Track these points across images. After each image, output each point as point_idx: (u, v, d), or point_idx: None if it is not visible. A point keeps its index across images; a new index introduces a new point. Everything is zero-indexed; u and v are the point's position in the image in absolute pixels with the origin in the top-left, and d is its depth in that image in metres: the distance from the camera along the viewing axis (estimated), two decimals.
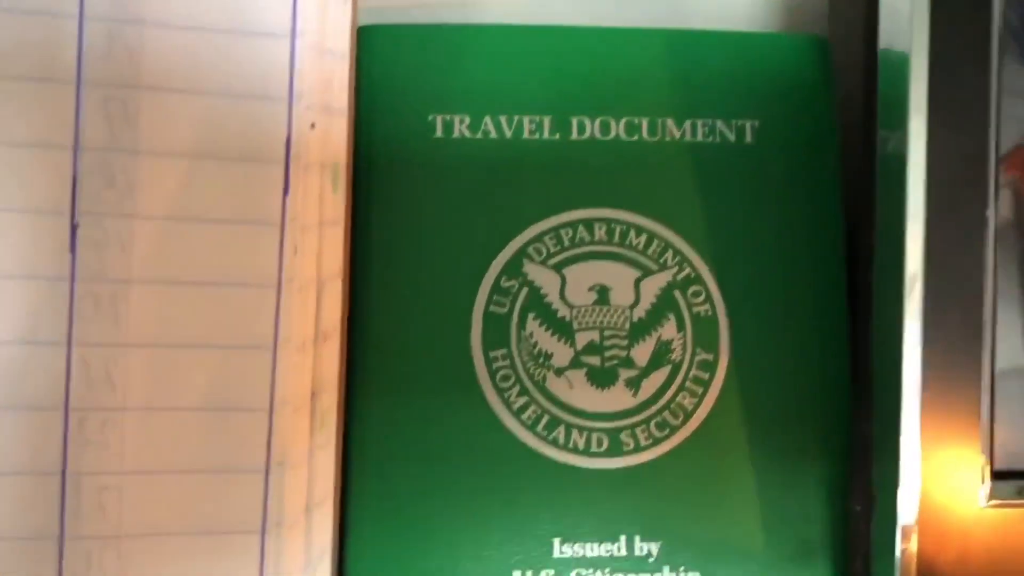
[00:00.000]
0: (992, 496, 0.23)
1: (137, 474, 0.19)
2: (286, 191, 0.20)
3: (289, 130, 0.20)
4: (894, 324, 0.23)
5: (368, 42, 0.24)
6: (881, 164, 0.24)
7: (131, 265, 0.19)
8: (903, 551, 0.23)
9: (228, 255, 0.20)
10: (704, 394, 0.24)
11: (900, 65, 0.23)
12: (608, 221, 0.24)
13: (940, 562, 0.23)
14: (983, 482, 0.23)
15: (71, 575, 0.19)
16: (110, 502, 0.19)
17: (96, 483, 0.19)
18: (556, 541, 0.23)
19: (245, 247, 0.20)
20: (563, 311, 0.24)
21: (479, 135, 0.24)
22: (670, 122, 0.25)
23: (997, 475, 0.23)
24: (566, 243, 0.24)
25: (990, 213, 0.23)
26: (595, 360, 0.24)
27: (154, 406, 0.19)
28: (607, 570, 0.23)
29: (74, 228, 0.19)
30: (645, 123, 0.25)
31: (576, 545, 0.23)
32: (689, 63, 0.25)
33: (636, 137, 0.25)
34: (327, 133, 0.21)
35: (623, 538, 0.23)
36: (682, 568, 0.23)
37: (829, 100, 0.25)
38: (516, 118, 0.25)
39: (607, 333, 0.24)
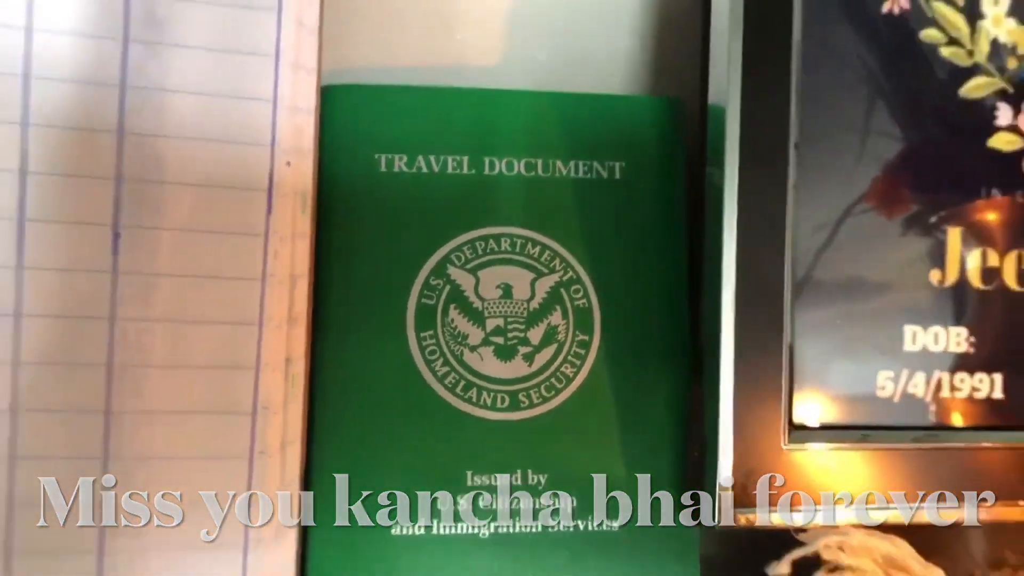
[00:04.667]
0: (790, 441, 0.31)
1: (159, 412, 0.27)
2: (269, 211, 0.28)
3: (272, 166, 0.28)
4: (717, 316, 0.31)
5: (330, 99, 0.32)
6: (709, 194, 0.32)
7: (157, 263, 0.27)
8: (722, 484, 0.31)
9: (228, 257, 0.27)
10: (582, 365, 0.32)
11: (720, 116, 0.31)
12: (511, 236, 0.33)
13: (749, 491, 0.31)
14: (783, 431, 0.31)
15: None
16: (140, 433, 0.27)
17: (130, 420, 0.27)
18: (469, 473, 0.31)
19: (239, 251, 0.28)
20: (477, 303, 0.32)
21: (414, 169, 0.32)
22: (559, 162, 0.33)
23: (794, 427, 0.32)
24: (480, 251, 0.32)
25: (787, 227, 0.31)
26: (500, 340, 0.32)
27: (172, 364, 0.27)
28: (511, 491, 0.31)
29: (116, 235, 0.27)
30: (540, 162, 0.33)
31: (484, 476, 0.31)
32: (574, 117, 0.33)
33: (533, 173, 0.33)
34: (298, 169, 0.29)
35: (519, 471, 0.31)
36: (561, 490, 0.31)
37: (679, 146, 0.34)
38: (442, 157, 0.33)
39: (509, 320, 0.32)
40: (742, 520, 0.30)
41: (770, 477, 0.31)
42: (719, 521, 0.30)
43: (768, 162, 0.32)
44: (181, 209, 0.27)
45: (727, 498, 0.31)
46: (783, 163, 0.32)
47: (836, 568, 0.26)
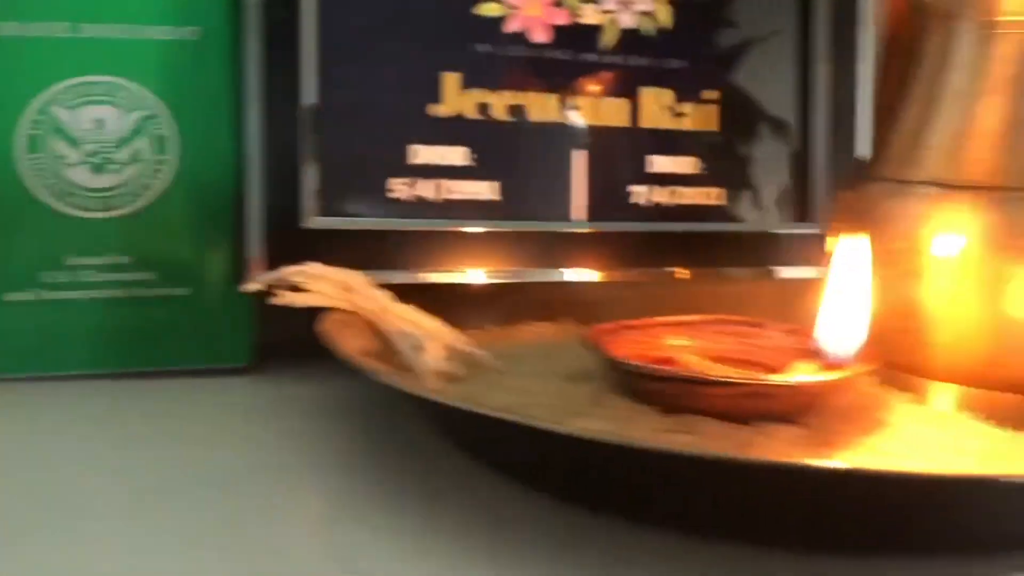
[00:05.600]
0: (311, 224, 0.43)
1: None
2: None
3: None
4: (250, 137, 0.42)
5: None
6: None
7: None
8: (253, 255, 0.42)
9: None
10: (161, 177, 0.43)
11: None
12: (105, 82, 0.43)
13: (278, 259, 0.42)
14: (306, 218, 0.43)
15: None
16: None
17: None
18: (68, 257, 0.42)
19: None
20: (76, 133, 0.42)
21: (20, 33, 0.42)
22: (147, 27, 0.43)
23: (322, 215, 0.43)
24: (79, 94, 0.42)
25: (304, 68, 0.43)
26: (96, 160, 0.42)
27: None
28: (101, 269, 0.42)
29: None
30: (130, 27, 0.43)
31: (86, 258, 0.42)
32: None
33: (123, 35, 0.43)
34: None
35: (110, 255, 0.42)
36: (144, 268, 0.42)
37: (238, 15, 0.44)
38: (46, 24, 0.42)
39: (102, 145, 0.43)
40: (270, 280, 0.42)
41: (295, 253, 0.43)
42: (253, 282, 0.41)
43: (286, 25, 0.43)
44: None
45: (261, 264, 0.42)
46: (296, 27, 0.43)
47: (300, 289, 0.38)
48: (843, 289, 0.32)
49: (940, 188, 0.37)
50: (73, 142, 0.42)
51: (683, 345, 0.37)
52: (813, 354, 0.33)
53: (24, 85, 0.42)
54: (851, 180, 0.40)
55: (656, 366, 0.33)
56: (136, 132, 0.43)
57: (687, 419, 0.31)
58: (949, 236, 0.36)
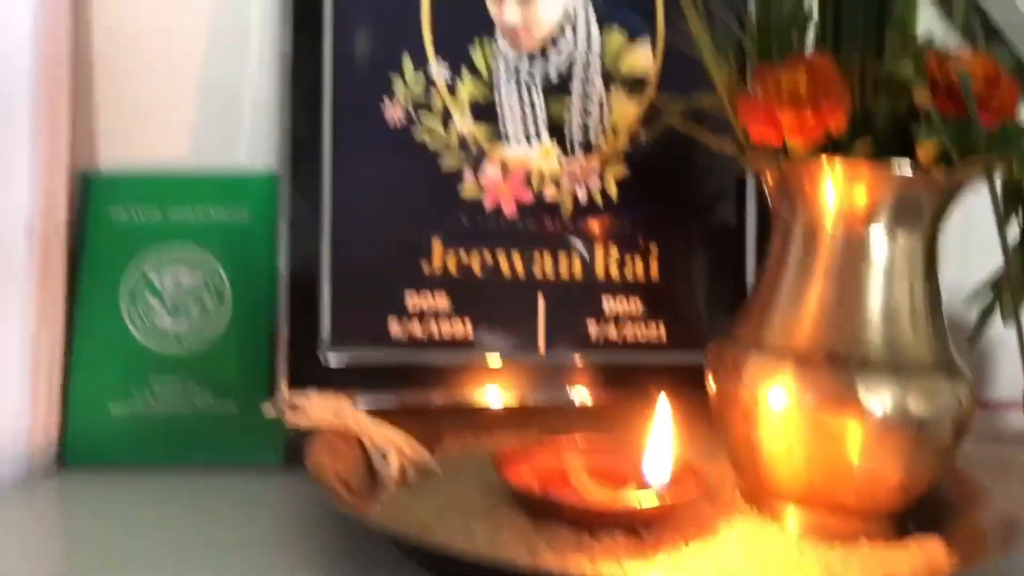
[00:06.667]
0: (335, 363, 0.58)
1: None
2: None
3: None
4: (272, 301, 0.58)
5: (90, 183, 0.59)
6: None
7: None
8: (283, 388, 0.57)
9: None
10: (217, 322, 0.59)
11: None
12: (182, 250, 0.59)
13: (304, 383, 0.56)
14: (323, 359, 0.58)
15: None
16: None
17: None
18: (153, 374, 0.58)
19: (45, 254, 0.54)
20: (161, 289, 0.59)
21: (126, 219, 0.59)
22: (210, 207, 0.60)
23: (331, 349, 0.58)
24: (164, 259, 0.59)
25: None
26: (173, 308, 0.59)
27: None
28: (174, 388, 0.58)
29: None
30: (197, 207, 0.60)
31: (162, 378, 0.58)
32: (226, 188, 0.60)
33: (190, 217, 0.60)
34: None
35: (178, 376, 0.58)
36: (204, 388, 0.58)
37: (275, 196, 0.60)
38: (138, 207, 0.59)
39: (178, 297, 0.59)
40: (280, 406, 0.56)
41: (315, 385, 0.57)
42: (268, 409, 0.56)
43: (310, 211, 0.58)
44: None
45: (284, 396, 0.57)
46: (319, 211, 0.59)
47: (297, 407, 0.52)
48: (658, 436, 0.44)
49: (775, 353, 0.48)
50: (158, 295, 0.59)
51: (578, 462, 0.50)
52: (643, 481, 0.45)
53: (126, 253, 0.59)
54: (721, 336, 0.51)
55: (521, 487, 0.45)
56: (202, 286, 0.59)
57: (549, 526, 0.44)
58: (777, 389, 0.47)
